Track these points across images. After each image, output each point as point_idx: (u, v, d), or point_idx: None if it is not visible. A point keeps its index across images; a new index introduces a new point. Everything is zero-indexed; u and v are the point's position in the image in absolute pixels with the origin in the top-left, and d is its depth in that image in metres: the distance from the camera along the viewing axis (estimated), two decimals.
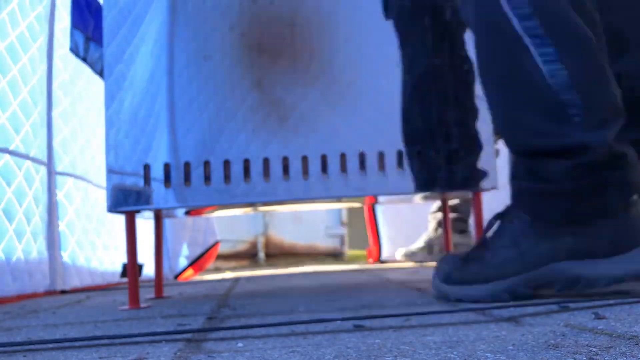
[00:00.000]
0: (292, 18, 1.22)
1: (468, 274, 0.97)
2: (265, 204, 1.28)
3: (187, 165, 1.18)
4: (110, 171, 1.19)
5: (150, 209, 1.21)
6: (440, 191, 1.26)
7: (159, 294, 1.43)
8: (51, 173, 1.80)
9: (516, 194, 0.97)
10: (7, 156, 1.56)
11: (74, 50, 1.93)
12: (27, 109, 1.66)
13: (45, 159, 1.77)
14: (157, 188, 1.18)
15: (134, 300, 1.22)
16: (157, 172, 1.18)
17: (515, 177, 0.97)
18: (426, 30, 1.24)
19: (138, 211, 1.22)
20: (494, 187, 1.24)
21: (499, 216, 0.98)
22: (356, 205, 1.78)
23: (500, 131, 1.02)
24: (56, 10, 1.85)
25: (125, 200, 1.18)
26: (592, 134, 0.89)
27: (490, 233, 0.98)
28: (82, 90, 2.01)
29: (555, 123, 0.91)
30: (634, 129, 1.03)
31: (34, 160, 1.69)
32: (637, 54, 1.05)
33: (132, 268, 1.23)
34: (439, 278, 1.01)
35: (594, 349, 0.54)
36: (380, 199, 1.39)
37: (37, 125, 1.72)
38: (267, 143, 1.19)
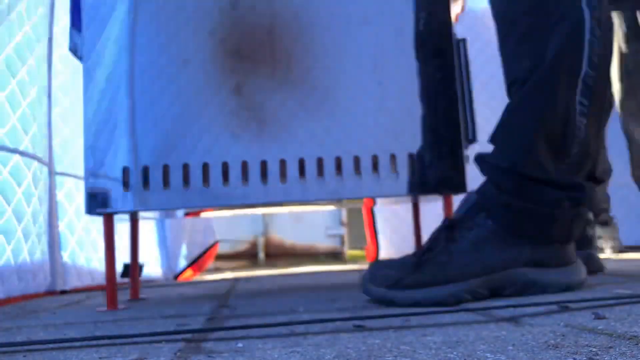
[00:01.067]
0: (271, 25, 1.23)
1: (424, 277, 0.99)
2: (244, 205, 1.27)
3: (165, 167, 1.18)
4: (87, 173, 1.19)
5: (124, 212, 1.20)
6: (412, 195, 1.26)
7: (134, 296, 1.43)
8: (51, 173, 1.80)
9: (493, 204, 1.03)
10: (17, 156, 1.56)
11: (73, 50, 1.93)
12: (34, 109, 1.66)
13: (47, 159, 1.77)
14: (135, 190, 1.18)
15: (112, 301, 1.21)
16: (135, 175, 1.18)
17: (498, 187, 1.04)
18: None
19: (116, 213, 1.21)
20: (463, 191, 1.25)
21: (451, 223, 1.04)
22: (353, 206, 1.78)
23: (505, 146, 1.07)
24: (55, 10, 1.85)
25: (98, 203, 1.18)
26: (583, 179, 1.06)
27: (435, 240, 1.04)
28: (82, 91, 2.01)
29: (562, 163, 1.04)
30: None
31: (39, 160, 1.69)
32: None
33: (110, 270, 1.20)
34: (383, 284, 1.01)
35: (594, 349, 0.54)
36: (379, 200, 1.40)
37: (42, 125, 1.72)
38: (246, 147, 1.20)
